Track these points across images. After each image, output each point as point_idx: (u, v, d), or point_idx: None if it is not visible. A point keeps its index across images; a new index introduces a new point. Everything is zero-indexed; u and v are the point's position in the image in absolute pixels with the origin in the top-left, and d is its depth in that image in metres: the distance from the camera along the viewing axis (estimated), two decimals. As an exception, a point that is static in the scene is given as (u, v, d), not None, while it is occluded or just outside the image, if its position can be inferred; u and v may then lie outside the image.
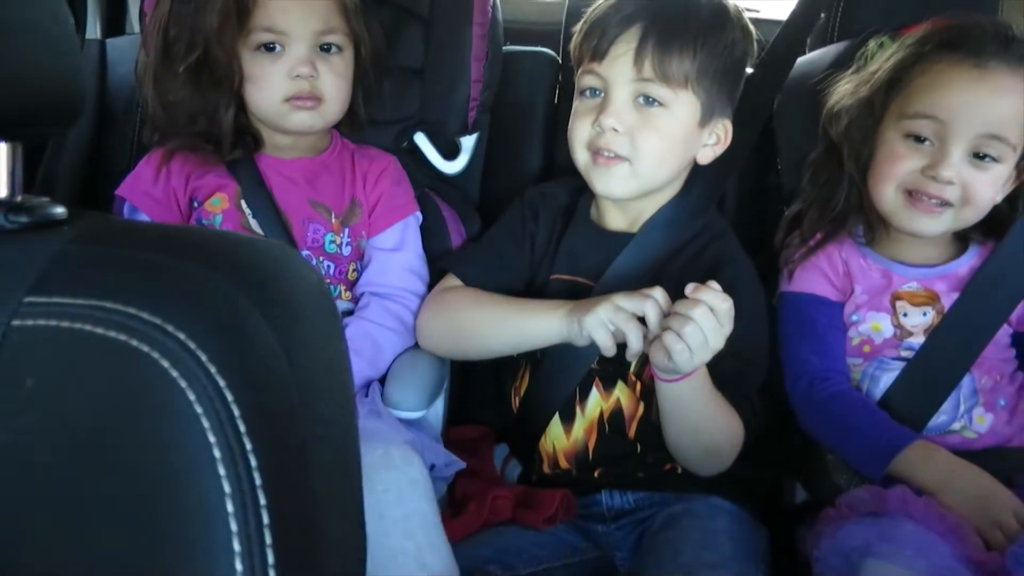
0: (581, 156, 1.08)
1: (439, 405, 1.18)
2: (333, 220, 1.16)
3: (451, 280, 1.15)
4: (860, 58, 1.19)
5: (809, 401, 1.09)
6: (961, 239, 1.14)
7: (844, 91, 1.15)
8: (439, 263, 1.18)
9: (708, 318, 0.88)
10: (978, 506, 0.96)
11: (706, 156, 1.11)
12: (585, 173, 1.09)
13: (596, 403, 1.10)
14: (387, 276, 1.16)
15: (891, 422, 1.05)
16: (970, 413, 1.08)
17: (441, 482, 1.10)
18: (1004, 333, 1.10)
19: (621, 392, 1.10)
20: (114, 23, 1.50)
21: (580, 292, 1.09)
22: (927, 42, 1.09)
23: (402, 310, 1.14)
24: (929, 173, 1.04)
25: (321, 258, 1.14)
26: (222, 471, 0.32)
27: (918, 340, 1.09)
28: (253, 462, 0.33)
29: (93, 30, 1.43)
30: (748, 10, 2.04)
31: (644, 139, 1.04)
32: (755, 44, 1.12)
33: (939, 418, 1.07)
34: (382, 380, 1.12)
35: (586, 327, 0.97)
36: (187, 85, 1.08)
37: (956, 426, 1.08)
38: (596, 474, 1.12)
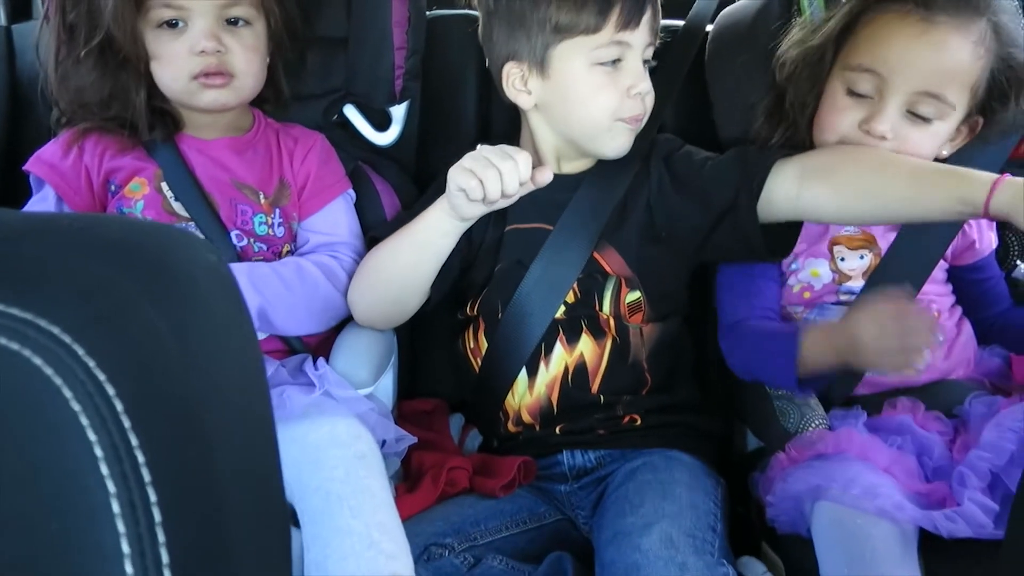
0: (604, 121, 1.07)
1: (388, 380, 1.16)
2: (262, 201, 1.12)
3: None
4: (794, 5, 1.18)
5: (730, 342, 1.11)
6: None
7: (793, 39, 1.13)
8: (368, 234, 1.16)
9: None
10: (851, 351, 0.96)
11: None
12: (600, 136, 1.08)
13: (560, 357, 1.11)
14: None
15: (784, 328, 1.06)
16: (909, 351, 1.10)
17: (394, 457, 1.09)
18: (940, 268, 1.12)
19: (585, 346, 1.11)
20: (20, 9, 1.43)
21: (541, 237, 1.11)
22: None
23: (332, 260, 1.11)
24: (864, 127, 1.04)
25: (252, 240, 1.11)
26: (105, 470, 0.30)
27: (856, 284, 1.11)
28: (140, 458, 0.31)
29: (-3, 16, 1.37)
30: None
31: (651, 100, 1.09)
32: None
33: (879, 357, 1.09)
34: (327, 355, 1.10)
35: (451, 177, 0.97)
36: (94, 69, 1.04)
37: (895, 364, 1.10)
38: (558, 430, 1.13)
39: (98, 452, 0.31)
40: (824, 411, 1.05)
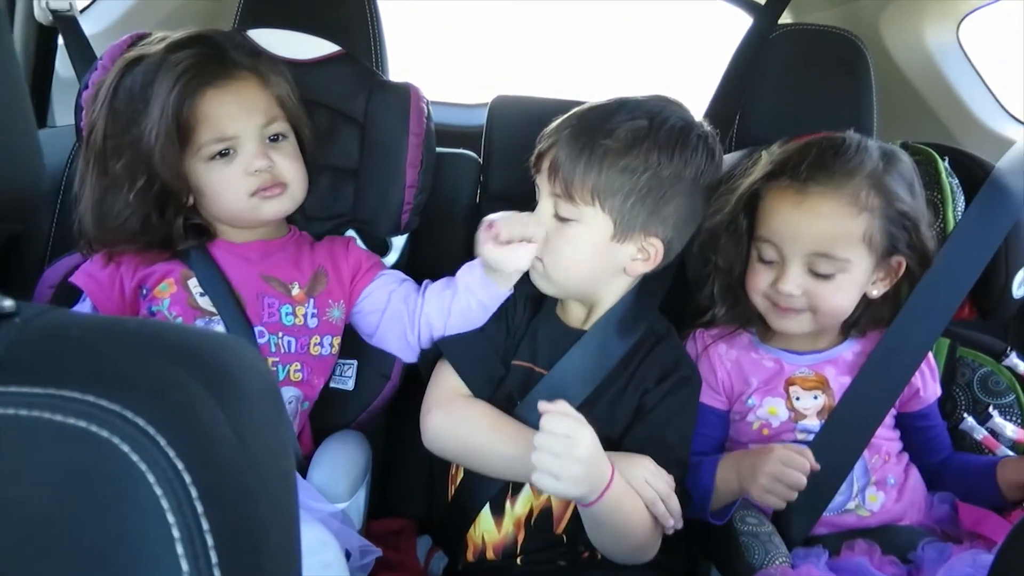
0: None
1: (360, 497, 1.17)
2: (295, 292, 1.17)
3: (447, 370, 1.16)
4: (742, 170, 1.25)
5: None
6: (843, 330, 1.23)
7: (712, 210, 1.21)
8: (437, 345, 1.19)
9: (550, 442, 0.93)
10: (752, 475, 1.06)
11: (635, 269, 1.14)
12: None
13: (527, 500, 1.13)
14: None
15: (706, 460, 1.12)
16: (863, 492, 1.16)
17: (359, 573, 1.09)
18: (889, 415, 1.19)
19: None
20: (36, 116, 1.49)
21: (533, 379, 1.14)
22: (764, 169, 1.18)
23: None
24: (775, 287, 1.14)
25: (280, 333, 1.15)
26: (180, 550, 0.34)
27: (812, 423, 1.17)
28: (209, 541, 0.35)
29: (14, 122, 1.42)
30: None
31: (554, 249, 1.10)
32: (715, 165, 1.14)
33: (836, 498, 1.14)
34: (303, 470, 1.11)
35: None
36: (138, 208, 1.09)
37: (851, 505, 1.15)
38: (519, 560, 1.13)
39: (175, 533, 0.34)
40: (787, 549, 1.08)
